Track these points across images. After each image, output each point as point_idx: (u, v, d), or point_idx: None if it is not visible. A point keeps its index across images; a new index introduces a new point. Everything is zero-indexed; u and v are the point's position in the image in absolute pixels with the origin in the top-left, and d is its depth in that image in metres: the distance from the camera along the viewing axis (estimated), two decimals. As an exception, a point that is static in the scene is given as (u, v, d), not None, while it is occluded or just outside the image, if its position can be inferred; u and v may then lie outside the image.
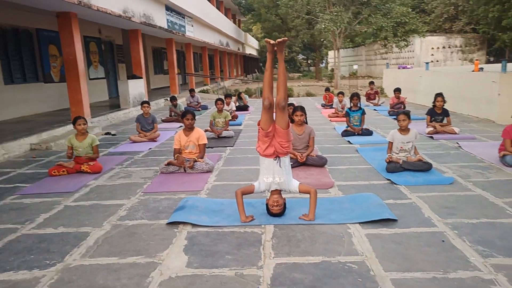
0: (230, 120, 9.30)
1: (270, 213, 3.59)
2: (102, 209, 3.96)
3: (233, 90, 20.92)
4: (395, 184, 4.51)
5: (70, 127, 8.60)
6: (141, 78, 13.02)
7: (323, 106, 12.99)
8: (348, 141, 7.04)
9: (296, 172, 5.05)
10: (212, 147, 6.88)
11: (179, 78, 19.22)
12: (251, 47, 46.74)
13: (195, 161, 5.23)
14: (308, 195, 3.57)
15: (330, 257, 2.86)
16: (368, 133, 7.48)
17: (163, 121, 10.24)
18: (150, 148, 6.96)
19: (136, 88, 12.46)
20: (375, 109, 12.05)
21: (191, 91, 13.24)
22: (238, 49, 37.55)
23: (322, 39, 29.72)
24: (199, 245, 3.09)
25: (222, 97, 9.49)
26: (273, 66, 3.47)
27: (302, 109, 5.45)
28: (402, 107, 10.75)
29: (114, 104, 12.97)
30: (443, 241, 3.06)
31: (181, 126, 9.45)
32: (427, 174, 4.79)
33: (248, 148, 6.74)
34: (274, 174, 3.53)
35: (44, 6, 8.70)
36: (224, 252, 2.96)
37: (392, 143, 5.16)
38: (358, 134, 7.46)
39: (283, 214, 3.61)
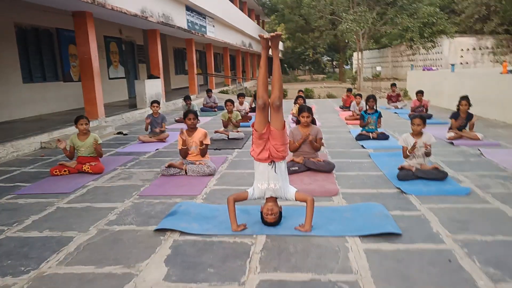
0: (240, 121, 9.13)
1: (264, 221, 3.36)
2: (93, 212, 3.83)
3: (253, 91, 20.74)
4: (405, 193, 4.19)
5: (82, 126, 8.60)
6: (159, 78, 13.01)
7: (341, 108, 12.62)
8: (362, 146, 6.71)
9: (300, 177, 4.81)
10: (219, 149, 6.70)
11: (199, 78, 19.21)
12: (275, 48, 46.48)
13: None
14: None
15: (321, 274, 2.60)
16: (384, 137, 7.12)
17: (177, 121, 10.16)
18: (157, 149, 6.84)
19: (153, 88, 12.44)
20: (396, 112, 11.60)
21: (208, 91, 13.14)
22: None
23: (346, 40, 29.15)
24: (182, 256, 2.89)
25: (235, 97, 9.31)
26: (267, 63, 3.24)
27: (309, 109, 5.18)
28: (424, 111, 10.29)
29: (132, 104, 13.01)
30: (449, 260, 2.75)
31: (193, 127, 9.33)
32: (442, 184, 4.44)
33: (256, 151, 6.51)
34: (269, 180, 3.30)
35: (60, 6, 8.76)
36: (207, 265, 2.75)
37: (407, 147, 4.82)
38: (373, 138, 7.12)
39: (278, 223, 3.38)
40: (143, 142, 7.44)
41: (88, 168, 5.28)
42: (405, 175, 4.60)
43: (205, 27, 17.55)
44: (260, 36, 3.11)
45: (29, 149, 6.98)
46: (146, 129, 7.68)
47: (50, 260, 2.86)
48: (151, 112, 7.85)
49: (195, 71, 17.17)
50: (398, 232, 3.17)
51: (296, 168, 5.01)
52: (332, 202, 4.00)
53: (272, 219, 3.32)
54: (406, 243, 3.03)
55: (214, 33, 19.04)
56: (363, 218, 3.48)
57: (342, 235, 3.17)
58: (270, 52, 3.26)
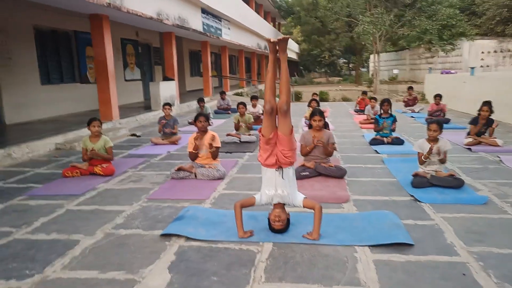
0: (253, 123, 9.08)
1: (271, 228, 3.29)
2: (101, 215, 3.83)
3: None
4: (419, 201, 4.06)
5: (96, 127, 8.68)
6: (173, 80, 13.07)
7: (356, 111, 12.45)
8: (375, 151, 6.57)
9: (311, 182, 4.73)
10: (231, 152, 6.66)
11: (214, 80, 19.26)
12: (291, 50, 46.36)
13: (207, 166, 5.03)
14: None
15: (327, 286, 2.52)
16: (399, 142, 6.96)
17: (190, 123, 10.16)
18: (168, 152, 6.85)
19: (167, 90, 12.51)
20: (412, 116, 11.37)
21: (222, 93, 13.15)
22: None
23: (362, 42, 28.87)
24: (187, 262, 2.84)
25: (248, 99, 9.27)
26: (276, 67, 3.18)
27: (320, 113, 5.09)
28: (442, 115, 10.06)
29: (148, 105, 13.09)
30: (464, 274, 2.63)
31: (206, 129, 9.33)
32: (458, 192, 4.29)
33: (268, 155, 6.44)
34: (276, 186, 3.23)
35: (77, 9, 8.86)
36: (211, 272, 2.70)
37: (422, 153, 4.67)
38: (388, 143, 6.97)
39: (286, 230, 3.30)
40: (156, 144, 7.46)
41: (99, 170, 5.30)
42: (419, 182, 4.47)
43: (220, 29, 17.59)
44: (267, 40, 3.06)
45: (44, 150, 7.06)
46: (160, 131, 7.70)
47: (55, 264, 2.86)
48: (163, 114, 7.85)
49: (210, 73, 17.19)
50: (410, 243, 3.06)
51: (307, 173, 4.93)
52: (343, 209, 3.91)
53: (279, 226, 3.25)
54: (418, 254, 2.92)
55: (229, 35, 19.06)
56: (374, 227, 3.38)
57: (351, 244, 3.08)
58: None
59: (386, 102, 7.19)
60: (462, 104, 12.48)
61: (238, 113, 7.76)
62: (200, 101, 10.33)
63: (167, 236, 3.29)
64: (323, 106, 14.93)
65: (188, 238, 3.23)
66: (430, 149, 4.52)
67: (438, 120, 4.74)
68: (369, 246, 3.05)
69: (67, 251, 3.05)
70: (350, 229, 3.37)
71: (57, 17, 10.53)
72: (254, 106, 10.08)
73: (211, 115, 10.28)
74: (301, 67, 65.66)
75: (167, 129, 7.64)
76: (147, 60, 16.67)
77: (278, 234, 3.26)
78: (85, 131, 8.27)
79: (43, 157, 6.70)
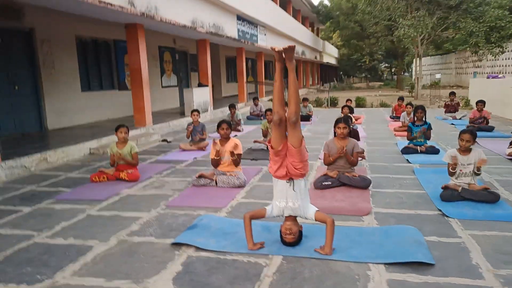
0: None
1: (283, 241, 3.19)
2: (118, 222, 3.88)
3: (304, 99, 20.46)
4: (447, 216, 3.80)
5: (130, 133, 8.92)
6: (207, 86, 13.23)
7: (392, 118, 12.02)
8: (407, 160, 6.27)
9: (333, 193, 4.57)
10: (256, 159, 6.61)
11: (249, 86, 19.33)
12: (330, 55, 45.83)
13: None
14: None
15: (333, 305, 2.39)
16: (434, 151, 6.61)
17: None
18: (195, 158, 6.89)
19: (201, 96, 12.68)
20: (452, 123, 10.81)
21: (255, 99, 13.15)
22: (315, 58, 36.98)
23: (403, 46, 27.92)
24: (192, 274, 2.80)
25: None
26: (283, 76, 3.09)
27: (345, 121, 4.92)
28: (485, 122, 9.48)
29: (182, 111, 13.32)
30: (485, 300, 2.41)
31: (235, 135, 9.34)
32: (491, 207, 3.98)
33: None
34: (287, 198, 3.13)
35: (114, 19, 9.19)
36: (215, 286, 2.64)
37: (452, 164, 4.38)
38: (421, 152, 6.64)
39: (298, 243, 3.19)
40: (184, 150, 7.54)
41: (125, 175, 5.41)
42: (449, 195, 4.20)
43: (256, 35, 17.65)
44: (272, 48, 2.98)
45: (78, 155, 7.34)
46: (188, 137, 7.80)
47: (66, 270, 2.91)
48: (192, 120, 7.94)
49: (245, 79, 17.27)
50: (430, 262, 2.85)
51: (329, 183, 4.77)
52: (362, 222, 3.73)
53: (291, 239, 3.15)
54: (438, 275, 2.71)
55: (265, 41, 19.09)
56: (392, 243, 3.19)
57: (365, 261, 2.92)
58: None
59: (420, 109, 6.87)
60: (509, 111, 11.72)
61: (266, 120, 7.69)
62: (231, 107, 10.37)
63: (177, 245, 3.27)
64: (359, 112, 14.57)
65: (197, 248, 3.19)
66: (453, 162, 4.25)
67: (471, 130, 4.43)
68: (384, 264, 2.87)
69: (79, 257, 3.11)
70: (366, 244, 3.20)
71: (97, 27, 10.97)
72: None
73: (242, 122, 10.28)
74: (341, 72, 64.71)
75: (196, 137, 7.71)
76: (183, 66, 17.03)
77: (289, 247, 3.16)
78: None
79: (77, 162, 6.95)
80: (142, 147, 8.27)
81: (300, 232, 3.23)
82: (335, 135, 5.07)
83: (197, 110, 7.83)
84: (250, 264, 2.93)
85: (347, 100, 12.19)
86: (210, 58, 13.70)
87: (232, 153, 5.01)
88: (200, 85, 13.22)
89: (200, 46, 13.39)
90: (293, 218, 3.19)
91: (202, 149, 7.52)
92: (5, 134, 8.57)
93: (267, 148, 7.20)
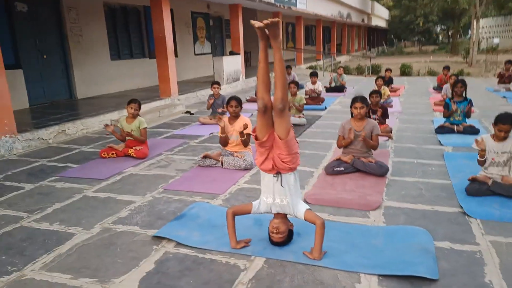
0: (312, 103, 8.51)
1: (270, 240, 2.89)
2: (109, 206, 3.73)
3: (340, 66, 19.49)
4: (468, 215, 3.30)
5: (153, 104, 8.83)
6: (239, 54, 12.79)
7: (435, 89, 11.05)
8: (439, 141, 5.64)
9: (344, 180, 4.16)
10: (274, 137, 6.22)
11: (288, 53, 18.57)
12: (379, 17, 43.23)
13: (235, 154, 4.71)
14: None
15: (304, 328, 2.07)
16: (473, 131, 5.90)
17: (248, 100, 9.85)
18: (211, 133, 6.63)
19: (231, 65, 12.29)
20: (504, 96, 9.73)
21: (287, 68, 12.52)
22: (363, 21, 35.00)
23: (458, 6, 25.48)
24: (162, 275, 2.58)
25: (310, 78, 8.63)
26: (267, 56, 2.66)
27: (362, 100, 4.40)
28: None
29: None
30: (490, 335, 1.99)
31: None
32: (526, 206, 3.41)
33: (313, 142, 5.90)
34: (274, 194, 2.78)
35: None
36: (182, 291, 2.40)
37: (483, 152, 3.78)
38: (458, 132, 5.96)
39: (287, 243, 2.88)
40: (203, 124, 7.31)
41: (133, 152, 5.27)
42: (476, 189, 3.65)
43: (295, -1, 16.74)
44: (252, 24, 2.53)
45: (98, 127, 7.31)
46: (208, 108, 7.54)
47: (38, 262, 2.79)
48: (213, 92, 7.63)
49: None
50: (434, 278, 2.44)
51: (342, 168, 4.34)
52: (368, 219, 3.32)
53: (278, 238, 2.83)
54: (439, 294, 2.30)
55: (305, 4, 18.10)
56: (395, 249, 2.78)
57: (357, 271, 2.55)
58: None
59: (460, 83, 6.11)
60: None
61: (290, 93, 7.22)
62: (259, 77, 9.91)
63: (159, 237, 3.06)
64: (400, 82, 13.58)
65: (178, 243, 2.96)
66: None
67: (507, 114, 3.74)
68: (378, 275, 2.50)
69: (56, 247, 2.98)
70: (365, 248, 2.81)
71: (126, -7, 10.75)
72: (313, 83, 9.41)
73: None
74: (392, 35, 61.11)
75: (219, 110, 7.42)
76: (218, 33, 16.59)
77: (277, 248, 2.85)
78: (144, 107, 8.45)
79: (96, 134, 6.93)
80: (163, 119, 8.14)
81: (290, 232, 2.90)
82: (352, 116, 4.58)
83: (217, 82, 7.49)
84: (227, 267, 2.66)
85: (387, 70, 11.31)
86: (246, 24, 13.10)
87: (241, 133, 4.67)
88: (231, 53, 12.80)
89: (232, 11, 12.85)
90: (282, 216, 2.86)
91: (220, 123, 7.22)
92: (35, 103, 8.76)
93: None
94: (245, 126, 4.76)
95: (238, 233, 3.01)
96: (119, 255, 2.84)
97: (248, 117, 7.97)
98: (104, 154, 5.35)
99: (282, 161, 2.67)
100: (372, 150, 4.50)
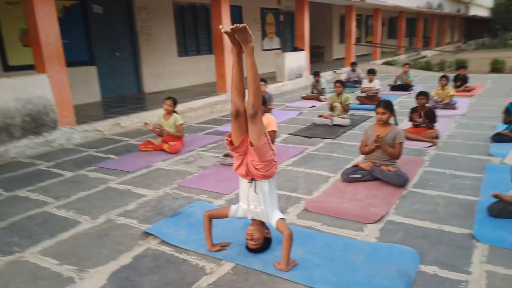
0: (369, 102, 8.16)
1: (246, 246, 2.88)
2: (123, 198, 4.00)
3: (406, 63, 18.20)
4: (477, 240, 2.93)
5: (207, 100, 9.15)
6: (303, 50, 12.61)
7: (516, 90, 9.77)
8: (490, 151, 5.02)
9: (358, 188, 3.95)
10: (310, 137, 6.09)
11: (362, 48, 17.79)
12: (480, 6, 39.16)
13: None
14: None
15: None
16: (536, 141, 5.15)
17: (303, 98, 9.70)
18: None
19: (294, 61, 12.18)
20: None
21: (353, 64, 12.08)
22: (458, 11, 32.02)
23: None
24: (132, 271, 2.72)
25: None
26: (241, 61, 2.62)
27: (386, 105, 4.10)
28: None
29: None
30: None
31: (313, 106, 8.79)
32: (555, 234, 2.92)
33: (345, 144, 5.65)
34: (248, 200, 2.77)
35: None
36: (141, 288, 2.52)
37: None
38: (519, 141, 5.25)
39: (262, 251, 2.85)
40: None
41: (167, 147, 5.56)
42: (499, 210, 3.22)
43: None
44: (220, 28, 2.51)
45: (151, 121, 7.78)
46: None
47: (39, 246, 3.11)
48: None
49: (353, 41, 15.95)
50: (396, 305, 2.24)
51: (359, 176, 4.11)
52: (360, 232, 3.12)
53: (252, 245, 2.81)
54: (394, 326, 2.11)
55: (384, -5, 17.14)
56: (370, 268, 2.59)
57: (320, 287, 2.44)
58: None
59: (524, 86, 5.35)
60: None
61: (335, 93, 6.96)
62: (315, 74, 9.71)
63: (149, 233, 3.22)
64: (482, 80, 12.25)
65: (163, 240, 3.09)
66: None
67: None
68: (339, 296, 2.36)
69: (59, 234, 3.29)
70: (339, 263, 2.67)
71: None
72: (370, 80, 8.93)
73: (326, 90, 9.58)
74: (497, 26, 55.01)
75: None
76: (289, 28, 16.50)
77: (250, 254, 2.83)
78: (195, 103, 8.86)
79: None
80: (213, 115, 8.39)
81: (267, 239, 2.86)
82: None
83: (263, 80, 7.49)
84: (195, 268, 2.72)
85: (460, 68, 10.30)
86: (320, 18, 12.87)
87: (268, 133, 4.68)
88: (295, 49, 12.67)
89: (298, 6, 12.70)
90: (258, 223, 2.84)
91: (263, 121, 7.25)
92: (106, 97, 9.64)
93: (331, 123, 6.62)
94: (267, 124, 4.76)
95: (224, 235, 3.07)
96: (107, 247, 3.06)
97: (296, 115, 7.93)
98: (142, 148, 5.72)
99: (255, 168, 2.64)
100: (396, 159, 4.18)
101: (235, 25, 2.43)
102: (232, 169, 2.84)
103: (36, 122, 6.03)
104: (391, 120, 4.23)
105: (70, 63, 8.36)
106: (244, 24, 2.44)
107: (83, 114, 7.39)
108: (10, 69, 7.76)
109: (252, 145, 2.58)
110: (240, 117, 2.62)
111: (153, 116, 7.84)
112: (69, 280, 2.65)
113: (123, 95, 10.01)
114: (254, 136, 2.58)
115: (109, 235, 3.24)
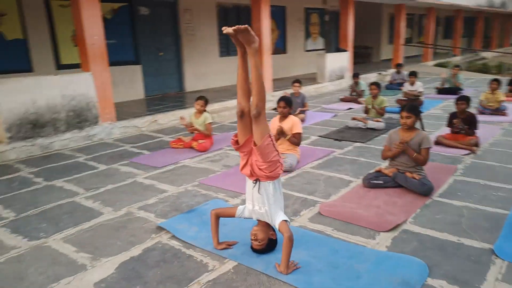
0: (385, 106, 7.89)
1: (251, 246, 2.90)
2: (146, 192, 4.16)
3: (455, 65, 17.19)
4: (497, 256, 2.74)
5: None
6: (346, 51, 12.36)
7: None
8: (532, 162, 4.66)
9: (379, 194, 3.84)
10: (340, 140, 5.97)
11: (412, 49, 17.11)
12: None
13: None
14: None
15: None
16: None
17: (341, 100, 9.51)
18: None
19: (336, 62, 11.97)
20: None
21: (398, 65, 11.66)
22: (523, 9, 29.84)
23: None
24: (139, 263, 2.83)
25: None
26: (245, 62, 2.64)
27: (411, 109, 3.94)
28: None
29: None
30: None
31: (350, 108, 8.59)
32: None
33: (375, 149, 5.47)
34: (253, 201, 2.79)
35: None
36: (142, 282, 2.60)
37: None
38: None
39: (266, 252, 2.85)
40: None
41: (195, 145, 5.70)
42: (527, 225, 2.99)
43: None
44: (223, 30, 2.54)
45: (188, 119, 8.00)
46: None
47: (63, 233, 3.33)
48: (293, 91, 7.63)
49: (402, 41, 15.38)
50: (393, 318, 2.16)
51: (381, 182, 3.98)
52: (371, 240, 3.03)
53: (256, 246, 2.83)
54: (386, 338, 2.04)
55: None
56: (373, 277, 2.52)
57: (317, 295, 2.40)
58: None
59: None
60: None
61: (370, 95, 6.78)
62: (355, 76, 9.49)
63: (162, 228, 3.33)
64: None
65: (174, 236, 3.19)
66: None
67: None
68: (334, 303, 2.32)
69: (82, 223, 3.50)
70: (343, 271, 2.61)
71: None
72: (412, 83, 8.58)
73: (365, 92, 9.32)
74: None
75: (297, 108, 7.41)
76: (333, 28, 16.23)
77: (255, 255, 2.85)
78: (231, 103, 8.96)
79: (181, 125, 7.60)
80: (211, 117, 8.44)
81: (272, 241, 2.86)
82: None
83: (298, 81, 7.47)
84: (198, 264, 2.78)
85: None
86: (368, 17, 12.52)
87: (282, 132, 4.70)
88: (338, 49, 12.45)
89: (343, 5, 12.45)
90: (263, 224, 2.84)
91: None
92: (150, 95, 10.04)
93: (364, 126, 6.46)
94: (293, 127, 4.76)
95: (233, 234, 3.12)
96: (122, 238, 3.20)
97: (331, 117, 7.81)
98: (174, 145, 5.90)
99: (259, 168, 2.65)
100: (422, 165, 4.00)
101: (237, 26, 2.45)
102: (239, 169, 2.86)
103: (79, 117, 6.41)
104: (417, 125, 4.06)
105: (116, 63, 8.85)
106: (246, 25, 2.46)
107: (125, 111, 7.76)
108: (62, 67, 8.31)
109: (255, 145, 2.60)
110: (245, 117, 2.65)
111: (189, 114, 8.03)
112: (81, 267, 2.81)
113: (165, 93, 10.37)
114: (257, 136, 2.59)
115: (127, 227, 3.39)
